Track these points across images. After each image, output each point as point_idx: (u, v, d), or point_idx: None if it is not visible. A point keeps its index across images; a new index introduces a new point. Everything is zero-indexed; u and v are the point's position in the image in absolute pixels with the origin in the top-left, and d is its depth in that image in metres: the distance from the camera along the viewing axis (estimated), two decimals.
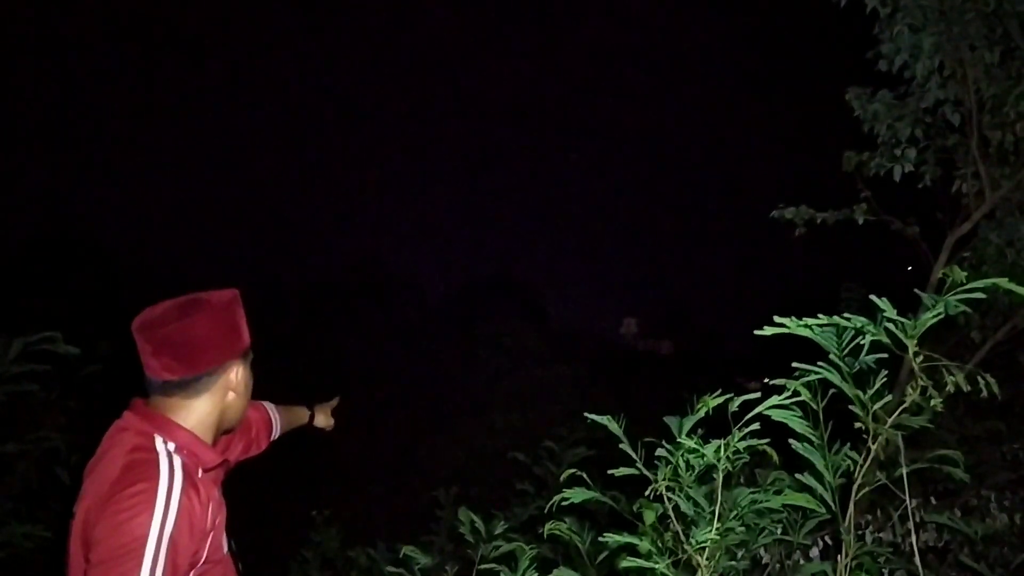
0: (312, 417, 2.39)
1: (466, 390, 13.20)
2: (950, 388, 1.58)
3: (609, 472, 1.94)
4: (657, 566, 1.73)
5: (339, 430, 2.52)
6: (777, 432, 1.84)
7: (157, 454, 1.45)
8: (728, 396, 1.75)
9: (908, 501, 1.70)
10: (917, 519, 2.28)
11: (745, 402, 1.72)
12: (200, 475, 1.51)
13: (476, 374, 13.44)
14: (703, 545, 1.71)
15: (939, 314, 1.57)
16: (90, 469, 1.49)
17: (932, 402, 1.55)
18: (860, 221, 4.12)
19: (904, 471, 1.67)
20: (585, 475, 2.14)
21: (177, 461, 1.46)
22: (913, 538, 1.79)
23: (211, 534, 1.51)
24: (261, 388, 1.91)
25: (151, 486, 1.38)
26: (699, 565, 1.72)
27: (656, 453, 1.86)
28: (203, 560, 1.49)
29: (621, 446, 1.92)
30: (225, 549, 1.65)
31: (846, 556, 1.80)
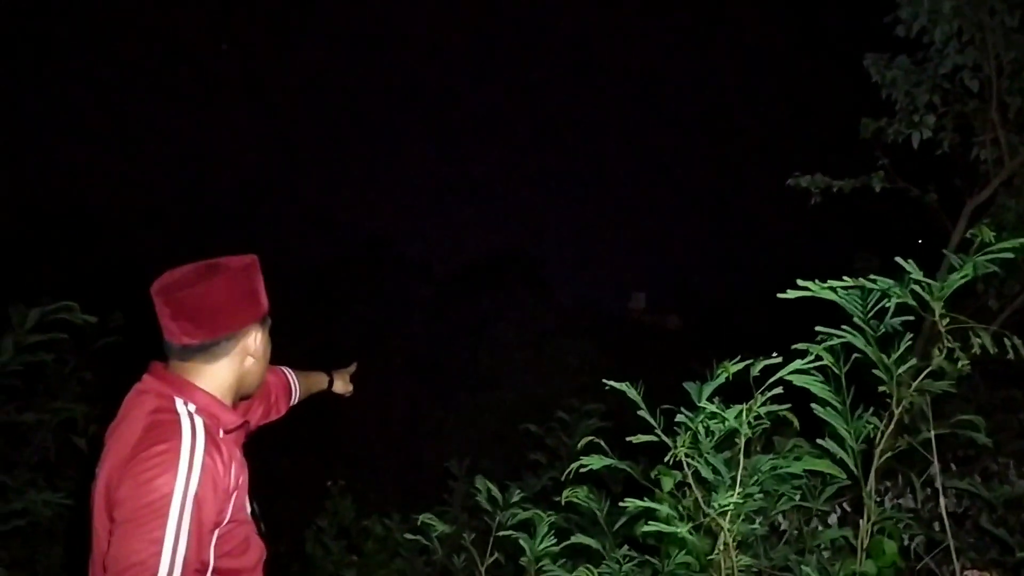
0: (331, 383, 2.39)
1: (476, 363, 13.24)
2: (976, 350, 1.57)
3: (627, 439, 1.94)
4: (678, 530, 1.73)
5: (354, 401, 2.52)
6: (796, 399, 1.83)
7: (178, 415, 1.45)
8: (748, 362, 1.73)
9: (936, 464, 1.69)
10: (937, 485, 2.28)
11: (765, 368, 1.71)
12: (221, 435, 1.51)
13: (485, 348, 13.46)
14: (725, 509, 1.71)
15: (966, 275, 1.55)
16: (111, 432, 1.49)
17: (960, 364, 1.54)
18: (877, 189, 4.06)
19: (932, 435, 1.65)
20: (603, 443, 2.13)
21: (198, 421, 1.46)
22: (942, 502, 1.78)
23: (235, 493, 1.51)
24: (279, 356, 1.90)
25: (174, 445, 1.38)
26: (721, 528, 1.72)
27: (676, 419, 1.85)
28: (227, 519, 1.50)
29: (640, 412, 1.90)
30: (248, 510, 1.65)
31: (868, 521, 1.79)
